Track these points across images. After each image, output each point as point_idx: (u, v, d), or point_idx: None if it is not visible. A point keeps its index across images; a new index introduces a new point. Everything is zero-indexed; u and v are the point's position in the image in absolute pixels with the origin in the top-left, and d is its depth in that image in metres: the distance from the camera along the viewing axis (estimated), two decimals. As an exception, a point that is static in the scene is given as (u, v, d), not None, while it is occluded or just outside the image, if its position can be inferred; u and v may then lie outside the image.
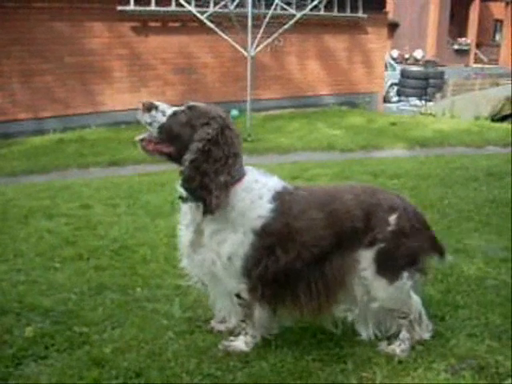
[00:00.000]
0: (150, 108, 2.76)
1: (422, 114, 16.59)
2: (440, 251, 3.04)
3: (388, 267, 2.84)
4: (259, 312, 2.91)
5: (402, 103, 22.80)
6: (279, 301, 2.90)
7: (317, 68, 16.38)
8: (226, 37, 11.76)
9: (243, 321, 2.96)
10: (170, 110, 2.79)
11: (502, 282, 3.86)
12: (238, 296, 2.88)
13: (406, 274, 2.88)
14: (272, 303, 2.90)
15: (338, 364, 2.83)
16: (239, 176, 2.79)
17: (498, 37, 36.01)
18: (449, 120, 14.53)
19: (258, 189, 2.82)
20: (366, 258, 2.84)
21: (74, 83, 12.41)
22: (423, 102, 22.17)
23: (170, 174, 7.81)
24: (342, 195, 2.93)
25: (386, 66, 20.63)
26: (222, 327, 3.15)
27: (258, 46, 11.75)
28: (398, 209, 2.88)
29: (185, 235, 2.91)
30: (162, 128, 2.75)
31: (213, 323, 3.18)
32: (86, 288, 3.76)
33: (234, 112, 13.54)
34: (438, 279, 3.89)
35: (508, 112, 15.41)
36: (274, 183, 2.89)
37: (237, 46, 11.81)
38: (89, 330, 3.19)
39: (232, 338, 3.02)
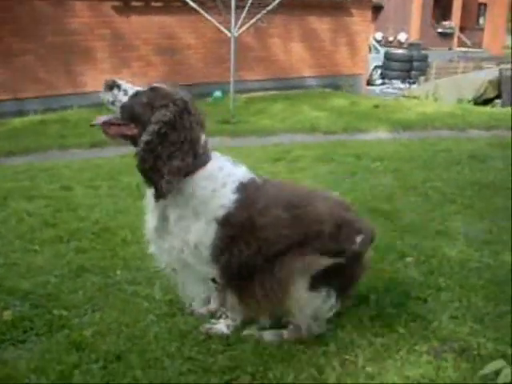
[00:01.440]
0: (111, 86, 2.69)
1: (405, 96, 16.59)
2: None
3: (325, 282, 2.76)
4: (230, 297, 2.87)
5: (385, 86, 22.80)
6: (242, 291, 2.83)
7: (300, 50, 16.30)
8: (209, 17, 11.63)
9: (223, 304, 2.93)
10: (132, 90, 2.71)
11: (485, 264, 3.88)
12: (214, 280, 2.83)
13: (334, 295, 2.82)
14: (237, 292, 2.84)
15: (320, 346, 2.82)
16: (201, 162, 2.71)
17: (481, 21, 36.02)
18: (432, 103, 14.54)
19: (221, 177, 2.73)
20: (316, 265, 2.72)
21: (56, 63, 12.22)
22: (407, 84, 22.20)
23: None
24: (315, 201, 2.84)
25: (369, 49, 20.59)
26: (203, 310, 3.12)
27: (241, 26, 11.62)
28: (364, 232, 2.81)
29: (150, 221, 2.84)
30: (124, 108, 2.68)
31: (194, 306, 3.15)
32: (66, 271, 3.71)
33: (217, 93, 13.46)
34: (421, 261, 3.91)
35: (491, 95, 15.48)
36: (241, 173, 2.80)
37: (220, 27, 11.68)
38: (68, 313, 3.15)
39: (213, 320, 3.00)
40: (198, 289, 2.91)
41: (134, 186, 5.90)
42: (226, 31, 11.61)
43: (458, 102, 14.49)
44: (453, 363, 2.69)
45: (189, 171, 2.67)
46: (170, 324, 3.04)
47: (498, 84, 15.56)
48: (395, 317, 3.11)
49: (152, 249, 2.93)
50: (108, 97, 2.70)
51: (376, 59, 23.16)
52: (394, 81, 23.35)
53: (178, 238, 2.73)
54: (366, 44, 18.69)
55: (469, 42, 33.86)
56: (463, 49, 31.34)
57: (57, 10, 12.00)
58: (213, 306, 3.07)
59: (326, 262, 2.71)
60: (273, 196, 2.80)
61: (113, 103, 2.69)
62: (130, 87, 2.72)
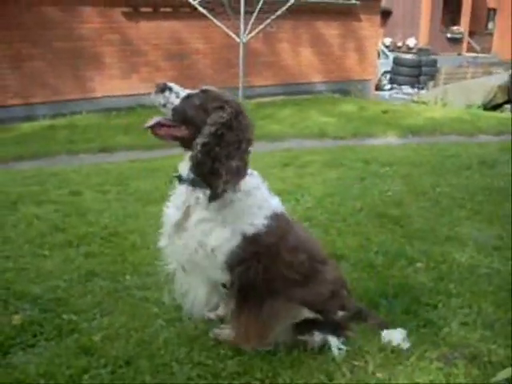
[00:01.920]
0: (163, 89, 2.69)
1: (414, 102, 16.57)
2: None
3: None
4: (232, 306, 2.84)
5: (394, 91, 22.76)
6: (241, 306, 2.82)
7: (309, 55, 16.31)
8: (218, 23, 11.67)
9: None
10: (183, 93, 2.71)
11: (495, 270, 3.86)
12: (225, 286, 2.81)
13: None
14: (237, 305, 2.82)
15: (330, 352, 2.81)
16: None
17: (490, 25, 35.92)
18: (441, 108, 14.51)
19: (258, 198, 2.75)
20: (302, 314, 2.80)
21: (65, 69, 12.29)
22: (416, 90, 22.15)
23: (161, 160, 7.77)
24: (330, 264, 2.96)
25: (378, 54, 20.58)
26: (212, 315, 3.11)
27: (250, 32, 11.66)
28: (348, 311, 2.93)
29: (173, 215, 2.80)
30: (176, 110, 2.68)
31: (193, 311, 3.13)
32: (75, 275, 3.71)
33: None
34: (430, 267, 3.89)
35: (500, 101, 15.43)
36: (276, 203, 2.84)
37: (229, 32, 11.72)
38: (78, 317, 3.15)
39: (223, 325, 2.99)
40: (203, 292, 2.84)
41: (142, 190, 5.93)
42: (235, 36, 11.64)
43: (467, 108, 14.45)
44: (463, 370, 2.67)
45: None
46: (179, 329, 3.03)
47: (507, 89, 15.50)
48: (405, 323, 3.10)
49: (163, 243, 2.90)
50: (159, 99, 2.69)
51: (385, 64, 23.13)
52: (402, 86, 23.32)
53: (195, 238, 2.71)
54: (375, 49, 18.69)
55: (478, 48, 33.77)
56: (472, 54, 31.26)
57: (66, 15, 12.07)
58: (221, 311, 3.05)
59: (308, 314, 2.78)
60: (302, 240, 2.90)
61: (164, 105, 2.69)
62: (181, 90, 2.72)
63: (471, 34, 34.31)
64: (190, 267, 2.81)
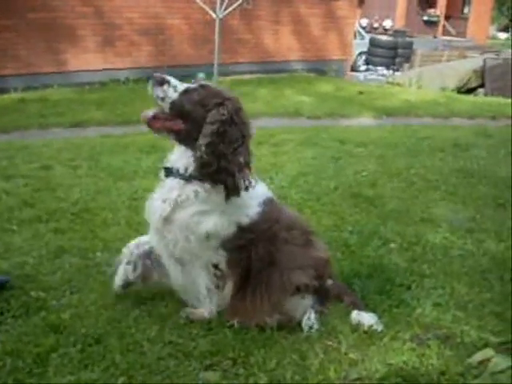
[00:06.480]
0: (161, 82, 2.69)
1: (389, 83, 16.57)
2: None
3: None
4: (229, 287, 2.86)
5: (369, 72, 22.75)
6: (239, 287, 2.86)
7: (286, 33, 16.17)
8: (194, -2, 11.47)
9: (210, 289, 2.88)
10: (181, 87, 2.72)
11: (468, 252, 3.89)
12: (216, 266, 2.81)
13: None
14: (235, 285, 2.86)
15: (302, 332, 2.80)
16: None
17: (466, 10, 36.04)
18: (416, 90, 14.54)
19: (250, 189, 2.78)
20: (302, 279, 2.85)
21: (37, 41, 11.98)
22: (391, 71, 22.17)
23: (133, 136, 7.65)
24: (317, 236, 3.09)
25: (354, 35, 20.51)
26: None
27: (226, 8, 11.49)
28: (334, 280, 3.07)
29: (160, 208, 2.76)
30: (174, 104, 2.68)
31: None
32: (44, 251, 3.65)
33: (201, 75, 13.32)
34: (404, 247, 3.90)
35: (474, 85, 15.51)
36: (263, 189, 2.90)
37: (205, 8, 11.53)
38: (46, 295, 3.09)
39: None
40: (203, 278, 2.84)
41: (114, 166, 5.84)
42: (212, 12, 11.48)
43: (441, 90, 14.49)
44: (436, 351, 2.67)
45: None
46: (151, 308, 2.99)
47: (481, 73, 15.58)
48: (379, 303, 3.10)
49: (154, 240, 2.89)
50: (158, 92, 2.70)
51: (361, 45, 23.08)
52: (378, 67, 23.30)
53: (187, 228, 2.71)
54: (352, 30, 18.61)
55: (453, 31, 33.89)
56: (448, 37, 31.36)
57: (38, -15, 11.75)
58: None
59: (307, 280, 2.81)
60: (292, 217, 3.01)
61: (163, 99, 2.70)
62: (179, 83, 2.73)
63: (447, 17, 34.39)
64: (186, 257, 2.81)
